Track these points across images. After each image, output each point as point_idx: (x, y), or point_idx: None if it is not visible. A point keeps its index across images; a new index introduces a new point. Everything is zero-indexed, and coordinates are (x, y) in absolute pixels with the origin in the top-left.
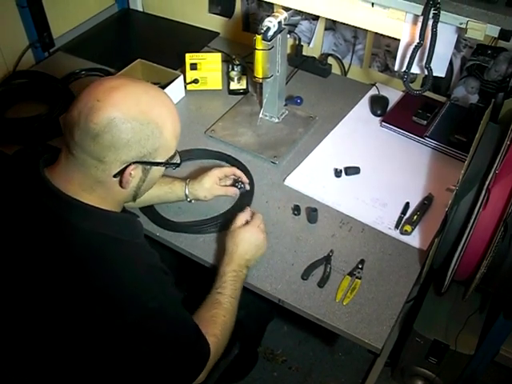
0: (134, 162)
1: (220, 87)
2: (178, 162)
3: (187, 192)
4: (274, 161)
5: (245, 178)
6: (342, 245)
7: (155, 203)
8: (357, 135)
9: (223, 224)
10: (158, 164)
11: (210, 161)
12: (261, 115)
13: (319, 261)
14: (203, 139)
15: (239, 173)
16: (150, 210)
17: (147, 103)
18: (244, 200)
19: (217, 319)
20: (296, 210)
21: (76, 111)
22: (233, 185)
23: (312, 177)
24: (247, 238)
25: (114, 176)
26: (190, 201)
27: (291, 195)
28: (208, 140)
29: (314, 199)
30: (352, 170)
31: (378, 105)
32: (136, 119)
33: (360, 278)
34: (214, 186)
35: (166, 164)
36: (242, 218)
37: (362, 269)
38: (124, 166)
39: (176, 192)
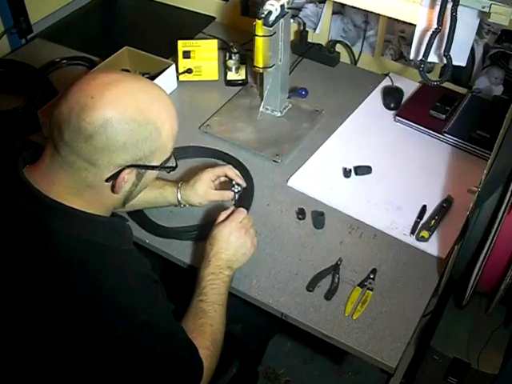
0: (128, 166)
1: (216, 78)
2: (174, 165)
3: (179, 197)
4: (276, 159)
5: (238, 179)
6: (352, 252)
7: (144, 208)
8: (368, 131)
9: None
10: (153, 168)
11: (205, 159)
12: (261, 109)
13: (326, 270)
14: (197, 135)
15: (231, 173)
16: (138, 215)
17: (145, 101)
18: (243, 203)
19: (205, 329)
20: (300, 213)
21: (66, 108)
22: (229, 188)
23: (318, 177)
24: (224, 235)
25: (107, 180)
26: (183, 206)
27: (295, 197)
28: (203, 136)
29: (320, 202)
30: (363, 170)
31: (392, 97)
32: (134, 119)
33: (371, 290)
34: (209, 191)
35: (162, 168)
36: (222, 215)
37: (373, 279)
38: (118, 169)
39: (167, 197)
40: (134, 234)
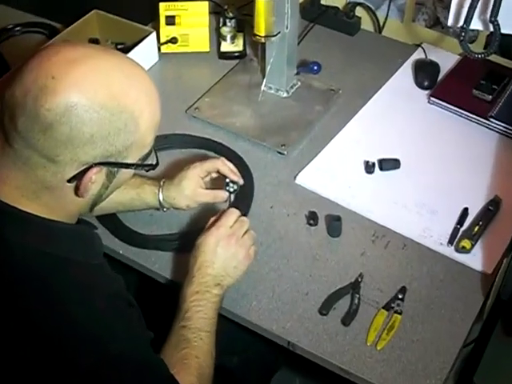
0: (96, 164)
1: (207, 49)
2: (154, 162)
3: (161, 199)
4: (281, 151)
5: (233, 175)
6: (376, 267)
7: (118, 211)
8: (396, 115)
9: None
10: (128, 166)
11: (193, 151)
12: (263, 88)
13: (344, 289)
14: (184, 120)
15: (225, 169)
16: (110, 220)
17: (120, 84)
18: (239, 205)
19: (189, 362)
20: (312, 218)
21: (21, 89)
22: (223, 186)
23: (334, 173)
24: (209, 245)
25: (69, 181)
26: (165, 210)
27: (305, 198)
28: (190, 122)
29: (336, 204)
30: (389, 164)
31: (425, 73)
32: (105, 107)
33: (400, 313)
34: (198, 190)
35: (139, 166)
36: (212, 220)
37: (402, 300)
38: (83, 168)
39: (146, 199)
40: (104, 245)
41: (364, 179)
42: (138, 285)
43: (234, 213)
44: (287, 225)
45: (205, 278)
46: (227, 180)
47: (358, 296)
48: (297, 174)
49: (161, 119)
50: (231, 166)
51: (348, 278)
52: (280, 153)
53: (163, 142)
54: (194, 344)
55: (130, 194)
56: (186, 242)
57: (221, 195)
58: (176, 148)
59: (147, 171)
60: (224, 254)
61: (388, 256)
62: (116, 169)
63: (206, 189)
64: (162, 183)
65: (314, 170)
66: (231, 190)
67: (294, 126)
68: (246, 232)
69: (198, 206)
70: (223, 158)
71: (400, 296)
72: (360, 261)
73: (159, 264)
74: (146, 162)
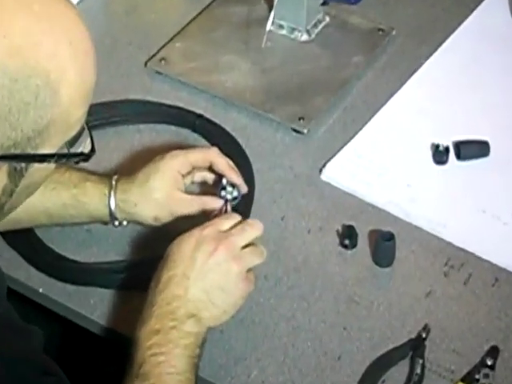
0: None
1: None
2: (88, 150)
3: (113, 206)
4: (298, 128)
5: (234, 174)
6: (449, 314)
7: (39, 225)
8: (481, 72)
9: None
10: (43, 158)
11: (158, 127)
12: (269, 26)
13: (398, 350)
14: (143, 79)
15: (221, 163)
16: (23, 238)
17: (28, 30)
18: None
19: None
20: (348, 236)
21: None
22: (216, 190)
23: (382, 164)
24: (186, 250)
25: None
26: (119, 224)
27: (336, 204)
28: (153, 81)
29: (386, 213)
30: (472, 150)
31: None
32: (4, 67)
33: None
34: (176, 194)
35: (62, 157)
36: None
37: (492, 368)
38: None
39: (87, 206)
40: (14, 277)
41: (432, 174)
42: (66, 340)
43: (234, 217)
44: (308, 247)
45: (171, 304)
46: (223, 182)
47: (421, 361)
48: (323, 166)
49: (105, 77)
50: (228, 160)
51: (405, 332)
52: (297, 131)
53: (110, 113)
54: None
55: (61, 198)
56: (145, 274)
57: (212, 203)
58: (130, 123)
59: (77, 163)
60: (207, 264)
61: (469, 297)
62: (24, 164)
63: (188, 194)
64: (114, 181)
65: (351, 159)
66: (229, 196)
67: (318, 89)
68: (248, 245)
69: (172, 219)
70: (216, 148)
71: (489, 362)
72: (424, 305)
73: (101, 310)
74: (74, 150)
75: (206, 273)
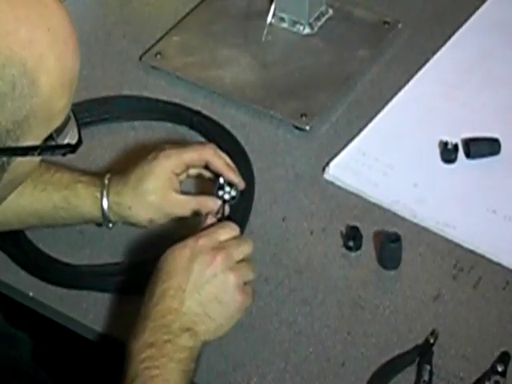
0: None
1: None
2: (74, 141)
3: (106, 207)
4: (300, 125)
5: (231, 173)
6: (458, 319)
7: (29, 226)
8: (493, 66)
9: None
10: (25, 151)
11: (153, 124)
12: (271, 19)
13: (405, 356)
14: (137, 74)
15: (218, 162)
16: (13, 239)
17: (1, 16)
18: (232, 215)
19: None
20: (352, 237)
21: None
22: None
23: (388, 162)
24: (181, 260)
25: None
26: (112, 225)
27: (341, 204)
28: (148, 75)
29: (392, 213)
30: (482, 147)
31: None
32: None
33: None
34: (171, 196)
35: (47, 149)
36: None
37: (503, 375)
38: None
39: (79, 208)
40: (1, 281)
41: (440, 173)
42: (62, 342)
43: (230, 227)
44: (311, 248)
45: (166, 317)
46: (221, 181)
47: (428, 368)
48: (327, 164)
49: (98, 73)
50: (227, 158)
51: (412, 337)
52: (299, 128)
53: (103, 109)
54: None
55: (51, 200)
56: (139, 277)
57: (209, 204)
58: (125, 120)
59: (64, 155)
60: (203, 276)
61: (479, 301)
62: (5, 158)
63: (184, 194)
64: (106, 181)
65: (355, 158)
66: (226, 196)
67: (321, 84)
68: (243, 261)
69: (168, 221)
70: (213, 145)
71: (499, 368)
72: (432, 309)
73: (94, 314)
74: (60, 142)
75: (203, 285)
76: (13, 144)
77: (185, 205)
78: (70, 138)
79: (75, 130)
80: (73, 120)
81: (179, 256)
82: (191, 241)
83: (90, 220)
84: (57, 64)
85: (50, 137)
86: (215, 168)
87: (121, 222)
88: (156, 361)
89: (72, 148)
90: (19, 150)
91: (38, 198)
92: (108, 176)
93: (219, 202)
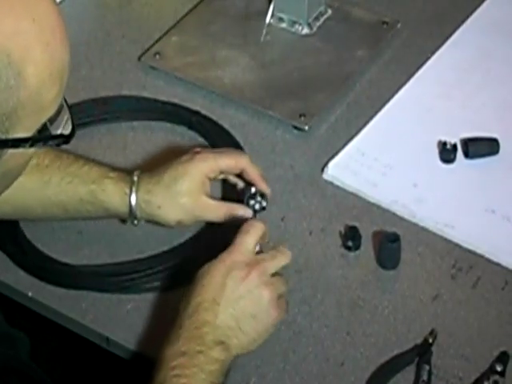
0: None
1: None
2: (68, 131)
3: (134, 203)
4: (299, 125)
5: (262, 183)
6: (457, 319)
7: (53, 218)
8: (491, 67)
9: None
10: (17, 143)
11: (152, 124)
12: (269, 19)
13: (404, 356)
14: (136, 74)
15: (254, 172)
16: (12, 238)
17: None
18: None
19: None
20: (351, 237)
21: None
22: (241, 197)
23: (387, 162)
24: (216, 275)
25: None
26: (137, 222)
27: (340, 204)
28: (147, 76)
29: (391, 213)
30: (481, 147)
31: None
32: None
33: None
34: (203, 200)
35: (39, 141)
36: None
37: (502, 374)
38: None
39: (106, 203)
40: (0, 281)
41: (439, 172)
42: (61, 342)
43: (258, 227)
44: (310, 249)
45: (200, 329)
46: (252, 190)
47: (427, 368)
48: (325, 165)
49: (97, 73)
50: (259, 168)
51: (411, 337)
52: (298, 128)
53: (102, 109)
54: None
55: (77, 193)
56: (138, 277)
57: (240, 212)
58: (124, 120)
59: (59, 145)
60: (238, 291)
61: (478, 301)
62: None
63: (213, 198)
64: (136, 177)
65: (354, 158)
66: (257, 206)
67: (320, 84)
68: (276, 277)
69: (194, 223)
70: (246, 154)
71: (498, 368)
72: (431, 309)
73: (93, 314)
74: (54, 132)
75: (237, 299)
76: (2, 136)
77: (216, 210)
78: (63, 128)
79: (69, 121)
80: (66, 110)
81: (215, 271)
82: (226, 255)
83: (115, 216)
84: (44, 55)
85: (44, 128)
86: (249, 177)
87: (147, 219)
88: (186, 369)
89: (65, 138)
90: (10, 141)
91: (65, 190)
92: (137, 173)
93: (251, 212)
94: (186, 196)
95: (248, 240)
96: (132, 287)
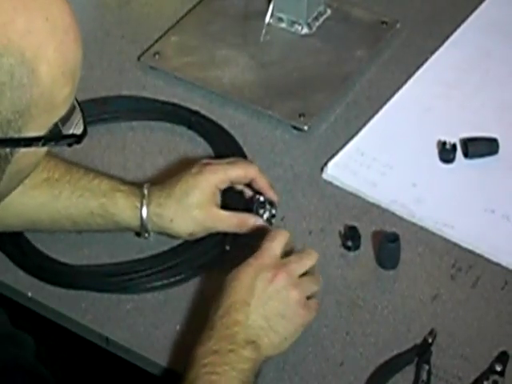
0: None
1: None
2: (80, 131)
3: (145, 216)
4: (299, 125)
5: (271, 192)
6: (457, 319)
7: (62, 230)
8: (491, 67)
9: (196, 265)
10: (29, 142)
11: (152, 124)
12: (269, 19)
13: (404, 356)
14: (136, 74)
15: (263, 182)
16: (11, 238)
17: (0, 4)
18: None
19: None
20: (350, 237)
21: None
22: (250, 206)
23: (387, 162)
24: (245, 278)
25: None
26: (148, 235)
27: (339, 204)
28: (147, 75)
29: (390, 213)
30: (480, 147)
31: None
32: None
33: None
34: (214, 211)
35: (51, 140)
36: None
37: (502, 374)
38: None
39: (116, 216)
40: (0, 281)
41: (438, 172)
42: (61, 342)
43: (283, 235)
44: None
45: (231, 328)
46: (261, 199)
47: (427, 368)
48: (325, 164)
49: (97, 72)
50: (266, 178)
51: (411, 337)
52: (297, 128)
53: (101, 109)
54: None
55: (88, 206)
56: (137, 277)
57: (250, 221)
58: (123, 120)
59: (70, 146)
60: (267, 292)
61: (477, 301)
62: (9, 149)
63: (221, 208)
64: (146, 190)
65: (354, 158)
66: (267, 215)
67: (319, 84)
68: (306, 273)
69: (204, 234)
70: (254, 165)
71: (498, 368)
72: (431, 309)
73: (93, 314)
74: (65, 132)
75: (267, 300)
76: (15, 135)
77: (227, 220)
78: (75, 128)
79: (81, 121)
80: (78, 110)
81: (243, 274)
82: (253, 260)
83: (126, 229)
84: (57, 53)
85: (56, 128)
86: (258, 186)
87: (159, 231)
88: (218, 367)
89: (77, 138)
90: (22, 140)
91: (75, 204)
92: (147, 185)
93: (261, 221)
94: (197, 208)
95: (274, 246)
96: (132, 287)
